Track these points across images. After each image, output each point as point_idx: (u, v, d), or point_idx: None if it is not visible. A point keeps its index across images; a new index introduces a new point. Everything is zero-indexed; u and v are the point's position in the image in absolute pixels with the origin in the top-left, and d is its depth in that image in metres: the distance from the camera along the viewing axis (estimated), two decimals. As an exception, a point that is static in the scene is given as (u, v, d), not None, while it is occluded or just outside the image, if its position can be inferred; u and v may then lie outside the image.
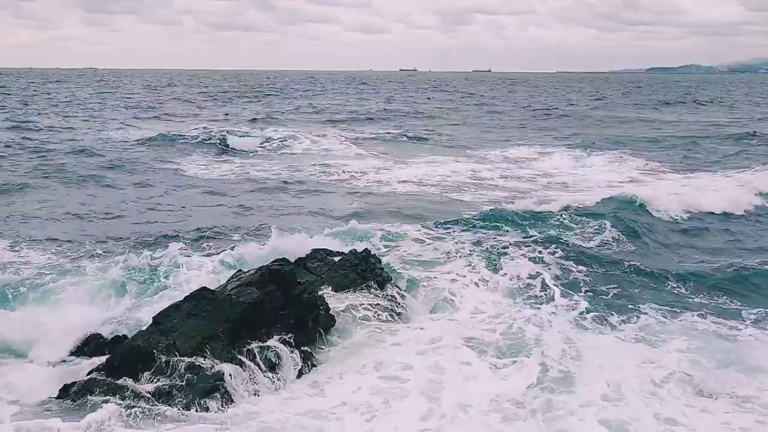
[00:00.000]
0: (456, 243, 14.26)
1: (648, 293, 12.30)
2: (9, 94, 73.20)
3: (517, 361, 9.39)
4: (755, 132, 38.50)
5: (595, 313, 11.21)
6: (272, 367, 8.95)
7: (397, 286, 11.88)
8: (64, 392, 8.25)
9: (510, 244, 14.09)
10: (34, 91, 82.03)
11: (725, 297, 12.17)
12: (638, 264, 13.52)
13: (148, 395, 8.01)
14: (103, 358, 8.95)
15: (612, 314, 11.26)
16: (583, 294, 12.14)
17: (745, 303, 11.88)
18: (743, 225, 17.30)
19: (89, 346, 9.66)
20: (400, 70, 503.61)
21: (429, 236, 14.83)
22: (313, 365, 9.40)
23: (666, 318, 11.14)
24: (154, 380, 8.27)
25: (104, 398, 7.98)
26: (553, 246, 14.02)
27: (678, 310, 11.44)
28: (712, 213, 17.82)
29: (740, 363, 9.16)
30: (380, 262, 12.25)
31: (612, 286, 12.57)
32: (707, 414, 8.06)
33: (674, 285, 12.68)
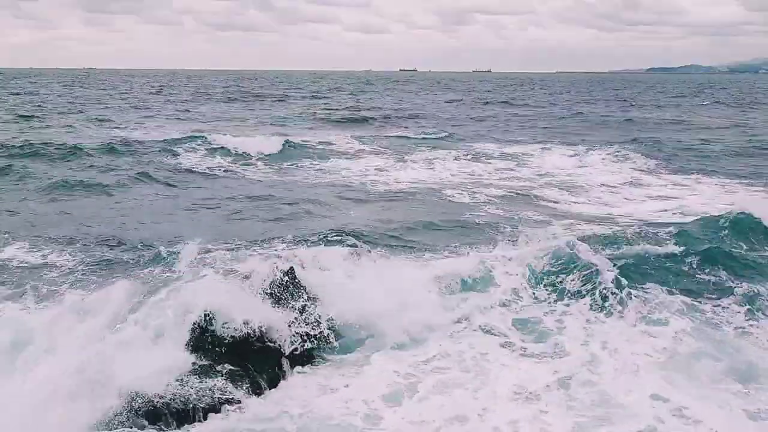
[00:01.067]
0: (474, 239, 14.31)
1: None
2: (21, 93, 73.28)
3: (538, 350, 9.60)
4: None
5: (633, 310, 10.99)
6: (273, 366, 8.94)
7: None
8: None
9: (528, 235, 13.84)
10: (41, 91, 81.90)
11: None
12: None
13: (148, 396, 7.98)
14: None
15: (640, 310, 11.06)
16: (604, 287, 11.96)
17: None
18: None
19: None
20: (400, 70, 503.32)
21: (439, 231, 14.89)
22: (317, 364, 9.36)
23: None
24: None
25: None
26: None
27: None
28: None
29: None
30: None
31: (642, 282, 12.19)
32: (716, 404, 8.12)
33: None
